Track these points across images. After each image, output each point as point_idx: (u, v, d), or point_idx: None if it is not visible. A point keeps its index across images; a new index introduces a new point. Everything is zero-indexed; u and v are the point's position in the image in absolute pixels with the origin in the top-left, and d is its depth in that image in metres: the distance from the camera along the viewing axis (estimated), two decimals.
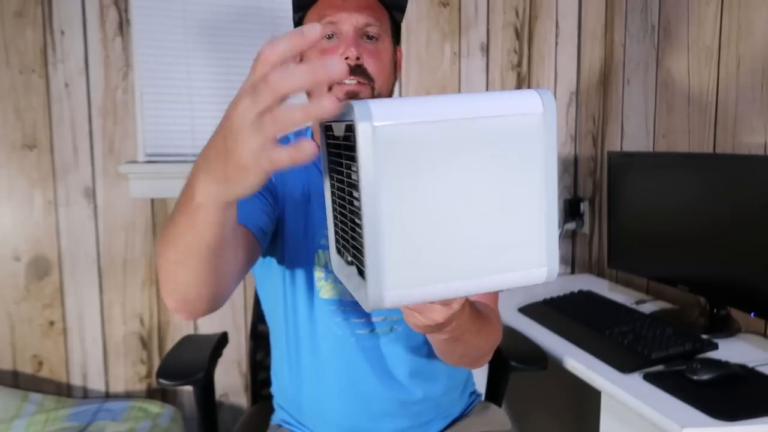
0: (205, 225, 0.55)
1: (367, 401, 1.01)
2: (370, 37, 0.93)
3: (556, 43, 2.06)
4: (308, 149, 0.43)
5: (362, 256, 0.47)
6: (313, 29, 0.44)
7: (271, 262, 1.01)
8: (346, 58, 0.90)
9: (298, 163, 0.44)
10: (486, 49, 2.01)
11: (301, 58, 0.96)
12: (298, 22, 1.01)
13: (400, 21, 1.03)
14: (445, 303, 0.58)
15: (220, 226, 0.56)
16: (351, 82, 0.90)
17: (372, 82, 0.92)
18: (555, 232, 0.51)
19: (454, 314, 0.62)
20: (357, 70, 0.90)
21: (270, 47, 0.43)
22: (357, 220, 0.47)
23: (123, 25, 1.73)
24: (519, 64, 2.04)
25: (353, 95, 0.91)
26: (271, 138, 0.44)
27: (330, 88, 0.91)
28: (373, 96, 0.93)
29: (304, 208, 0.99)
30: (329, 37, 0.92)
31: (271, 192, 0.96)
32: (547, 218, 0.49)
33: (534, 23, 2.04)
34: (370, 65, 0.92)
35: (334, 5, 0.92)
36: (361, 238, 0.46)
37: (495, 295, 1.02)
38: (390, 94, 0.99)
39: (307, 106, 0.43)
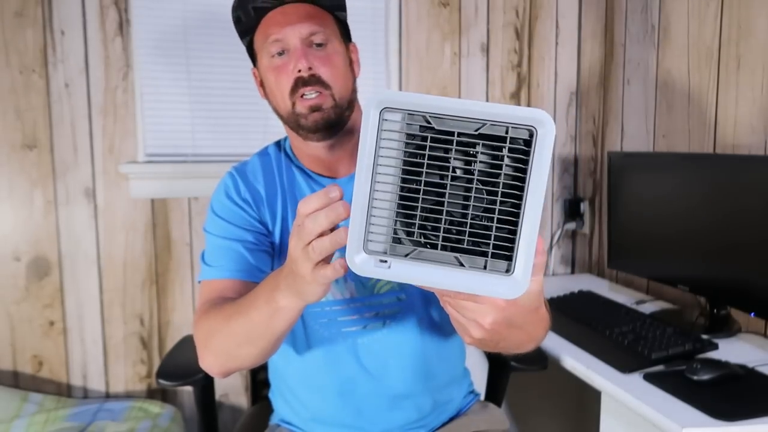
0: (283, 321, 0.77)
1: (362, 399, 1.01)
2: (318, 45, 0.94)
3: (557, 43, 2.06)
4: (343, 267, 0.62)
5: (487, 247, 0.52)
6: (334, 191, 0.61)
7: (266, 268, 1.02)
8: (299, 71, 0.92)
9: (340, 275, 0.63)
10: (486, 49, 2.01)
11: (261, 83, 1.00)
12: (248, 46, 1.02)
13: (345, 19, 1.03)
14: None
15: (293, 321, 0.78)
16: (311, 95, 0.93)
17: (329, 89, 0.94)
18: (531, 250, 0.53)
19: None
20: (312, 80, 0.92)
21: (305, 204, 0.62)
22: (488, 214, 0.52)
23: (123, 25, 1.73)
24: (519, 64, 2.04)
25: (316, 108, 0.93)
26: (317, 261, 0.63)
27: (293, 105, 0.93)
28: (335, 103, 0.94)
29: (285, 216, 1.02)
30: (280, 54, 0.94)
31: (256, 227, 1.00)
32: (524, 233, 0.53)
33: (534, 23, 2.04)
34: (323, 72, 0.93)
35: (277, 23, 0.94)
36: (510, 228, 0.52)
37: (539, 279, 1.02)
38: (352, 95, 0.99)
39: (333, 237, 0.61)
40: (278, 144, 1.09)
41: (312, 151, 1.00)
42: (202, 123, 1.83)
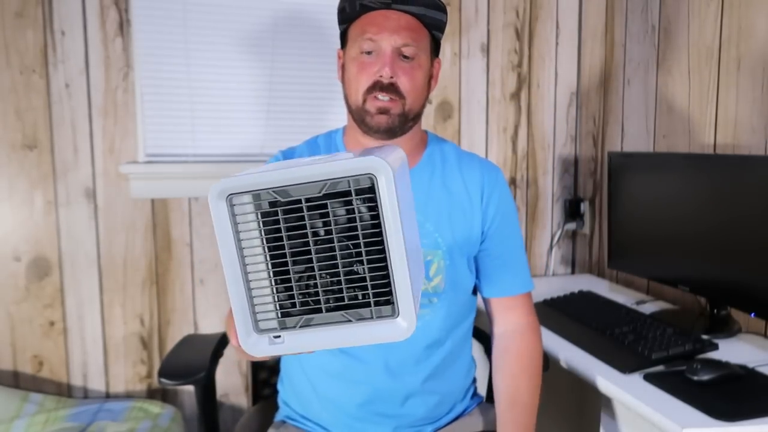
0: None
1: (372, 395, 1.02)
2: (406, 57, 0.99)
3: (557, 44, 2.07)
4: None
5: (364, 292, 0.53)
6: None
7: None
8: (381, 76, 0.97)
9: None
10: (486, 50, 2.01)
11: (343, 69, 1.04)
12: (343, 33, 1.07)
13: (440, 39, 1.08)
14: None
15: None
16: (384, 98, 0.98)
17: (403, 99, 0.99)
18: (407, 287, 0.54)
19: None
20: (390, 88, 0.98)
21: None
22: (360, 264, 0.53)
23: (123, 26, 1.73)
24: (519, 65, 2.04)
25: (384, 111, 0.98)
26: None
27: (364, 101, 0.99)
28: (403, 111, 1.00)
29: None
30: (368, 53, 0.99)
31: None
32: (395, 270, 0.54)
33: (534, 23, 2.04)
34: (403, 84, 0.99)
35: (376, 23, 0.98)
36: (382, 274, 0.53)
37: (528, 300, 1.12)
38: (421, 108, 1.05)
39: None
40: (329, 135, 1.13)
41: (367, 144, 1.05)
42: (202, 123, 1.82)
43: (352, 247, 0.53)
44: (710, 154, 1.55)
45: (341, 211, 0.53)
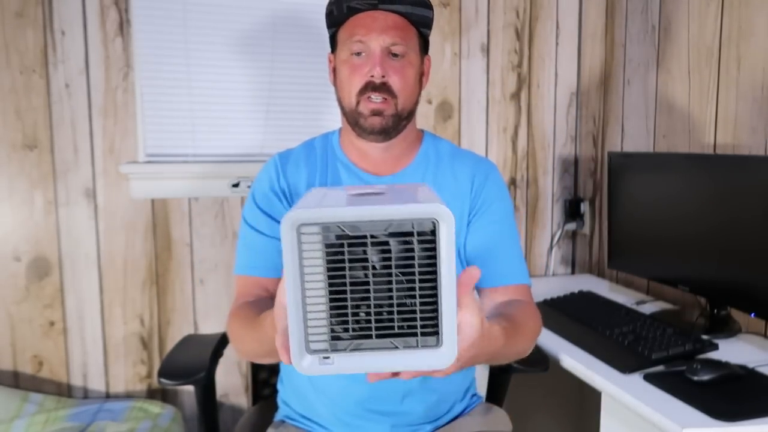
0: None
1: (370, 392, 1.02)
2: (395, 55, 1.00)
3: (557, 44, 2.06)
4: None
5: (415, 324, 0.59)
6: None
7: None
8: (372, 76, 0.98)
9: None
10: (486, 50, 2.01)
11: (334, 70, 1.05)
12: (332, 37, 1.08)
13: (428, 36, 1.08)
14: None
15: None
16: (377, 99, 0.99)
17: (395, 98, 1.00)
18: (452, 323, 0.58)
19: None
20: (382, 87, 0.99)
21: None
22: (410, 299, 0.59)
23: (123, 26, 1.73)
24: (519, 65, 2.04)
25: (378, 112, 0.99)
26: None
27: (358, 103, 1.00)
28: (396, 111, 1.01)
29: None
30: (358, 54, 1.00)
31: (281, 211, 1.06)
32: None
33: (534, 24, 2.04)
34: (394, 83, 1.00)
35: (363, 25, 1.00)
36: (431, 308, 0.59)
37: (526, 290, 1.07)
38: (414, 106, 1.06)
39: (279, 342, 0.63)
40: (325, 137, 1.14)
41: (362, 146, 1.06)
42: (202, 123, 1.83)
43: (405, 282, 0.58)
44: (710, 154, 1.55)
45: (399, 247, 0.58)
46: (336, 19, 1.04)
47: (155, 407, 1.69)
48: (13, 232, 1.71)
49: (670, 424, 0.98)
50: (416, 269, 0.58)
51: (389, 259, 0.58)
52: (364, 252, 0.57)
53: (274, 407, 1.20)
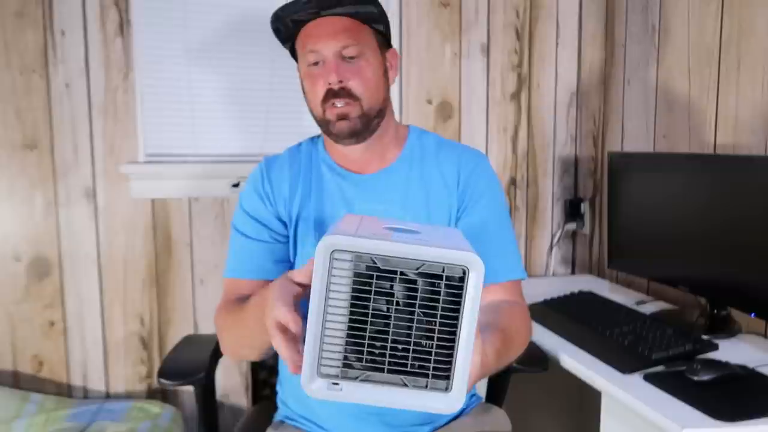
0: None
1: None
2: (351, 58, 1.00)
3: (557, 44, 2.06)
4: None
5: (426, 367, 0.59)
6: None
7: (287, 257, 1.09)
8: (330, 84, 0.98)
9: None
10: (486, 50, 2.01)
11: (301, 83, 1.06)
12: (291, 50, 1.10)
13: (383, 29, 1.07)
14: None
15: None
16: (340, 104, 0.99)
17: (358, 100, 1.00)
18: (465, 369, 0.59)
19: None
20: (342, 92, 0.99)
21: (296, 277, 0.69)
22: (427, 339, 0.59)
23: (123, 26, 1.73)
24: (519, 65, 2.04)
25: (343, 116, 0.99)
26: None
27: (324, 111, 1.00)
28: (363, 112, 1.00)
29: (304, 209, 1.08)
30: (315, 64, 1.01)
31: (273, 223, 1.08)
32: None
33: (534, 24, 2.04)
34: (353, 85, 0.99)
35: (311, 34, 1.00)
36: (447, 352, 0.59)
37: (517, 287, 1.06)
38: (383, 103, 1.05)
39: (285, 350, 0.64)
40: (312, 140, 1.15)
41: (342, 150, 1.07)
42: (203, 123, 1.83)
43: (426, 322, 0.58)
44: (710, 154, 1.55)
45: (426, 287, 0.58)
46: (285, 35, 1.05)
47: (155, 407, 1.69)
48: (13, 232, 1.71)
49: (670, 424, 0.98)
50: (439, 312, 0.58)
51: (414, 297, 0.58)
52: (391, 287, 0.58)
53: (274, 407, 1.20)
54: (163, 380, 1.14)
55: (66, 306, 1.76)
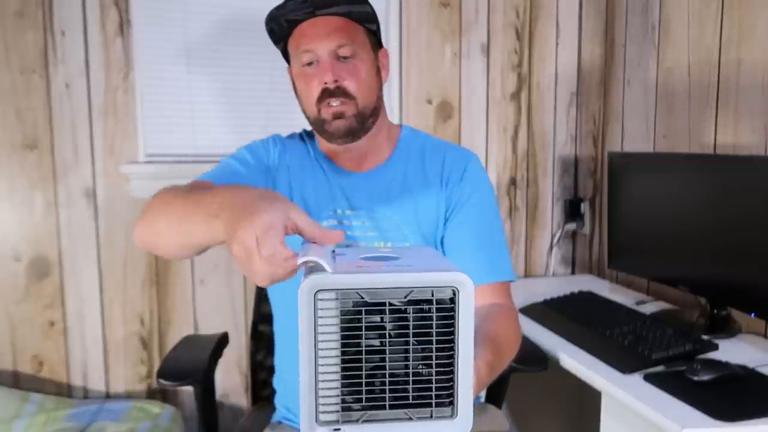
0: (213, 243, 0.73)
1: None
2: (345, 57, 1.00)
3: (557, 44, 2.06)
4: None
5: (428, 396, 0.57)
6: (337, 236, 0.64)
7: None
8: (325, 83, 0.98)
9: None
10: (486, 50, 2.01)
11: (294, 84, 1.07)
12: (283, 51, 1.10)
13: (375, 29, 1.07)
14: None
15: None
16: (336, 103, 1.00)
17: (354, 99, 1.00)
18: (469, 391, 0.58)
19: None
20: (337, 91, 0.99)
21: (307, 220, 0.64)
22: (426, 368, 0.57)
23: (123, 26, 1.73)
24: (519, 65, 2.04)
25: (339, 115, 1.00)
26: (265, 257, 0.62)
27: (319, 111, 1.01)
28: (358, 111, 1.01)
29: (302, 192, 1.09)
30: (309, 64, 1.01)
31: (268, 171, 1.10)
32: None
33: (534, 24, 2.04)
34: (348, 84, 1.00)
35: (306, 34, 1.00)
36: (447, 377, 0.57)
37: (506, 289, 1.05)
38: (377, 102, 1.06)
39: (288, 270, 0.62)
40: (309, 133, 1.17)
41: (333, 147, 1.07)
42: (203, 123, 1.83)
43: (421, 350, 0.57)
44: (710, 155, 1.55)
45: (416, 313, 0.56)
46: (279, 35, 1.05)
47: (155, 407, 1.69)
48: (13, 232, 1.71)
49: (670, 424, 0.98)
50: (434, 338, 0.56)
51: (405, 327, 0.56)
52: (381, 319, 0.56)
53: (274, 407, 1.20)
54: (162, 380, 1.14)
55: (66, 306, 1.76)
